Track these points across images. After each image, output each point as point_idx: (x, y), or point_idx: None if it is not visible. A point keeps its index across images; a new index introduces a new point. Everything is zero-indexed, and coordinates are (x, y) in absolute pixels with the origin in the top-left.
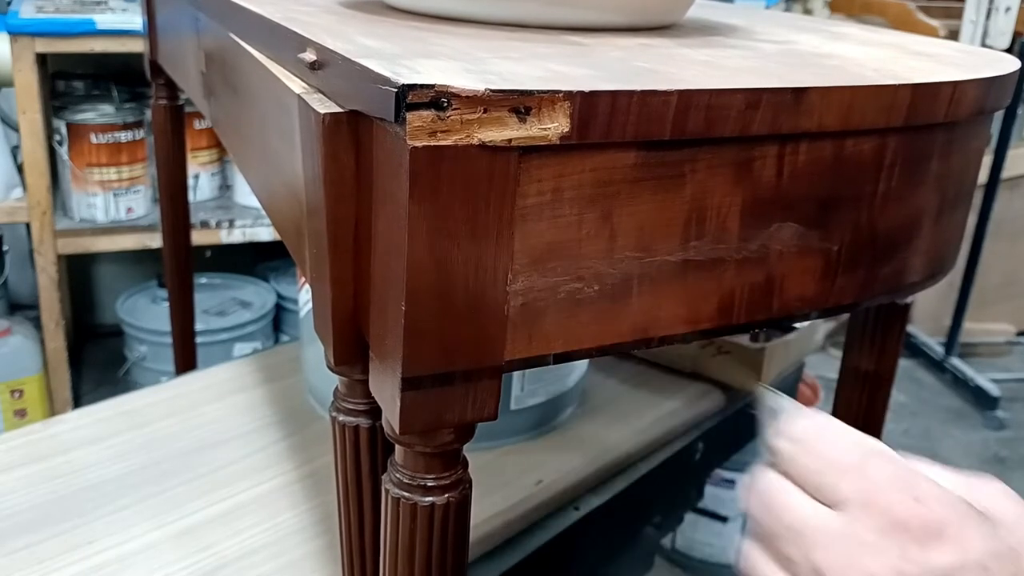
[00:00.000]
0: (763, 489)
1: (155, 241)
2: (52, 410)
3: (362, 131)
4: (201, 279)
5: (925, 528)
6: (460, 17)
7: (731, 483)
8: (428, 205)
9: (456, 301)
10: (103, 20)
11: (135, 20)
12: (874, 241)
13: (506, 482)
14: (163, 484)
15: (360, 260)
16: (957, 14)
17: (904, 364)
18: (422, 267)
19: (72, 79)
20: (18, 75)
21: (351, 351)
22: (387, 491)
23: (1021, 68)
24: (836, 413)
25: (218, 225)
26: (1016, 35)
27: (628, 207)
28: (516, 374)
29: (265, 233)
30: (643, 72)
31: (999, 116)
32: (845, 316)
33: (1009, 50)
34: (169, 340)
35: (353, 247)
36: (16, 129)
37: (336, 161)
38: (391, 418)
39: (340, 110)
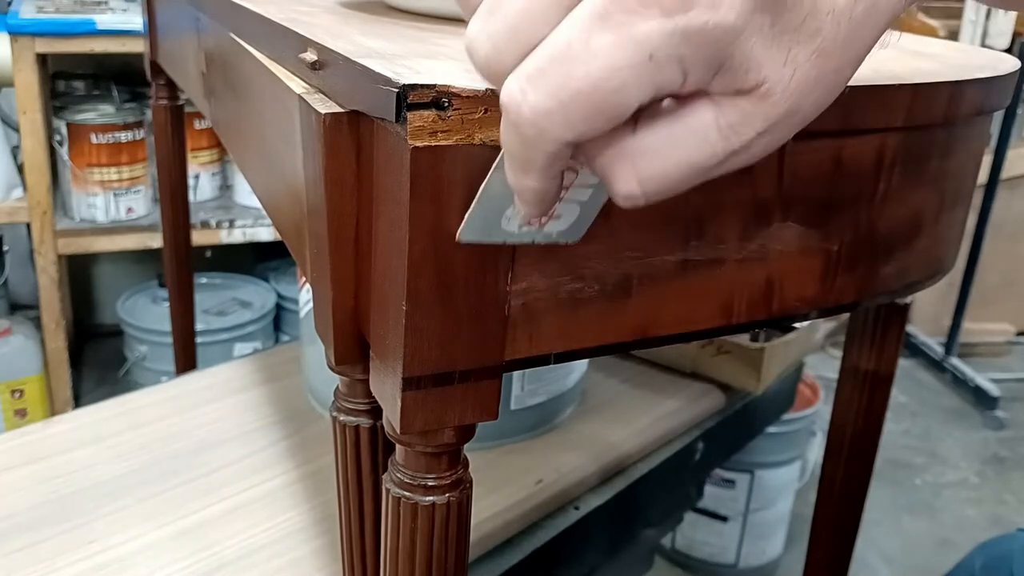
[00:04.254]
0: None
1: (155, 241)
2: (52, 410)
3: (363, 131)
4: (201, 279)
5: None
6: (461, 17)
7: (731, 483)
8: (429, 205)
9: (457, 301)
10: (103, 20)
11: (135, 20)
12: (874, 241)
13: (506, 482)
14: (163, 484)
15: (361, 260)
16: (957, 14)
17: (904, 364)
18: (423, 267)
19: (72, 79)
20: (18, 75)
21: (352, 351)
22: (388, 491)
23: (1021, 68)
24: (836, 413)
25: (218, 225)
26: (1016, 35)
27: None
28: (516, 374)
29: (265, 233)
30: None
31: (999, 116)
32: (845, 316)
33: (1009, 50)
34: (169, 340)
35: (354, 247)
36: (16, 129)
37: (337, 161)
38: (392, 418)
39: (341, 110)
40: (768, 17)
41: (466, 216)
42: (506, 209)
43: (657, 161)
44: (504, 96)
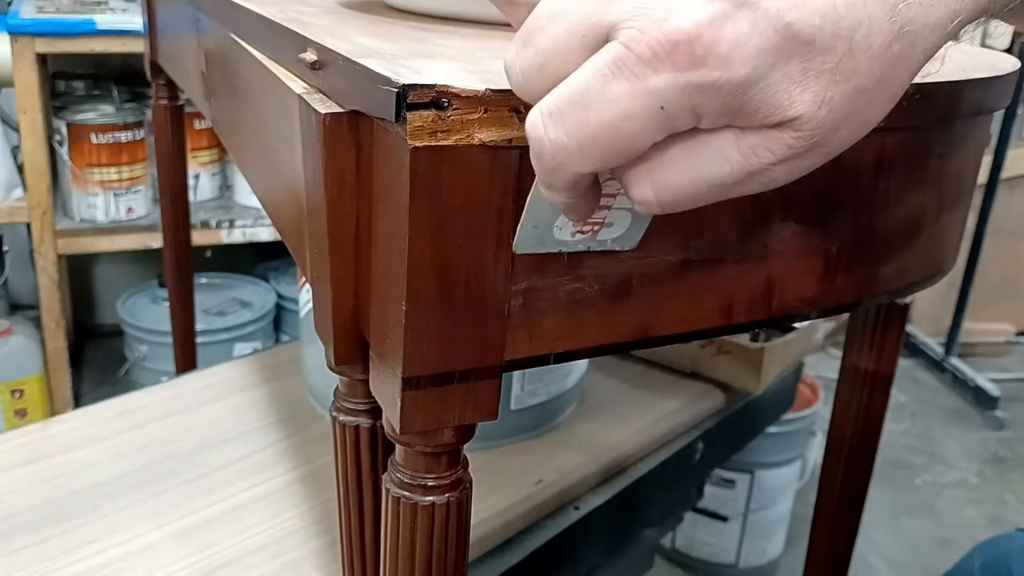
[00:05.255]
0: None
1: (155, 241)
2: (52, 410)
3: (362, 131)
4: (201, 279)
5: None
6: (460, 17)
7: (731, 483)
8: (428, 205)
9: (456, 301)
10: (103, 20)
11: (135, 20)
12: (874, 241)
13: (506, 482)
14: (163, 484)
15: (360, 260)
16: None
17: (904, 364)
18: (422, 267)
19: (72, 79)
20: (18, 75)
21: (351, 351)
22: (387, 491)
23: (1021, 68)
24: (836, 413)
25: (218, 225)
26: (1016, 35)
27: None
28: (516, 374)
29: (265, 233)
30: None
31: (999, 116)
32: (845, 316)
33: (1009, 50)
34: (169, 340)
35: (353, 247)
36: (16, 129)
37: (336, 161)
38: (391, 418)
39: (341, 110)
40: (796, 63)
41: (518, 227)
42: (556, 219)
43: (674, 173)
44: (528, 126)
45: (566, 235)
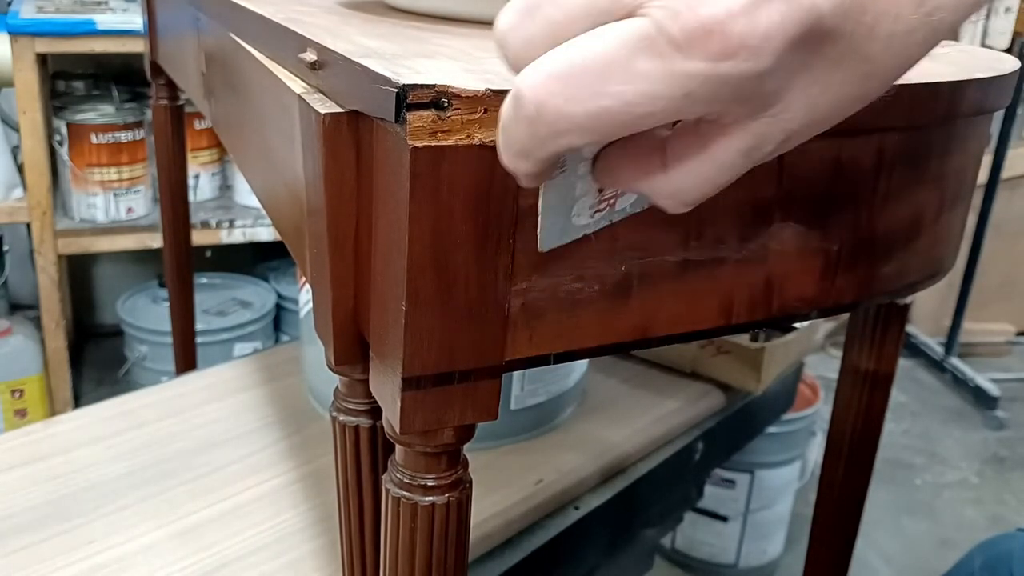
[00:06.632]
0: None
1: (155, 241)
2: (52, 410)
3: (362, 131)
4: (201, 279)
5: None
6: (460, 17)
7: (731, 483)
8: (428, 205)
9: (456, 301)
10: (103, 20)
11: (135, 20)
12: (874, 241)
13: (506, 482)
14: (163, 484)
15: (360, 260)
16: None
17: (904, 364)
18: (422, 267)
19: (72, 79)
20: (18, 75)
21: (351, 351)
22: (387, 491)
23: (1021, 68)
24: (836, 413)
25: (218, 225)
26: (1016, 35)
27: None
28: (516, 374)
29: (265, 233)
30: None
31: (999, 116)
32: (845, 316)
33: (1009, 50)
34: (169, 340)
35: (353, 247)
36: (16, 129)
37: (336, 161)
38: (391, 418)
39: (340, 110)
40: (815, 55)
41: (539, 228)
42: (572, 208)
43: (691, 192)
44: (525, 88)
45: (585, 218)
